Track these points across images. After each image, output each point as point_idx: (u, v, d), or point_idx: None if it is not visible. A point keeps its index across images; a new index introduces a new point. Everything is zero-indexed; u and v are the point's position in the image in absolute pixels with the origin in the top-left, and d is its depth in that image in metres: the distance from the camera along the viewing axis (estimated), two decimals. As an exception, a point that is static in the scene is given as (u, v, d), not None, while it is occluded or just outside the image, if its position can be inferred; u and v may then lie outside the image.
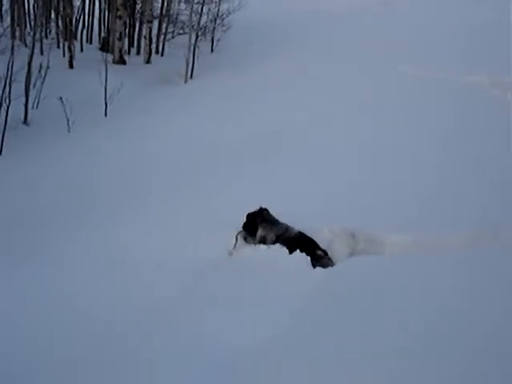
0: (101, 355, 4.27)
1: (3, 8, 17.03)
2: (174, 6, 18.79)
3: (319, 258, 5.69)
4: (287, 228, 6.03)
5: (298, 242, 5.85)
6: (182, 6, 18.79)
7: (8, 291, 5.35)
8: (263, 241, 6.00)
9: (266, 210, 6.15)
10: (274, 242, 5.96)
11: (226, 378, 3.98)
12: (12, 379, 4.04)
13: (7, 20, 16.15)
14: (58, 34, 16.91)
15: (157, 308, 4.91)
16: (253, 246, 6.00)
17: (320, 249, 5.80)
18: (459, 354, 3.79)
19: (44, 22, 16.68)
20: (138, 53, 17.84)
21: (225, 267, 5.64)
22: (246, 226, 6.10)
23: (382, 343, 4.02)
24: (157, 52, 17.95)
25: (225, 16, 18.30)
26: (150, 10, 17.29)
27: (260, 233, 6.03)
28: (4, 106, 10.49)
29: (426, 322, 4.23)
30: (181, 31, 18.02)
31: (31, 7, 17.22)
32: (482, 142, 8.56)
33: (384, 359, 3.85)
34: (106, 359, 4.23)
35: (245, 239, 6.11)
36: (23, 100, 11.27)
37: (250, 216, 6.11)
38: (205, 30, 17.53)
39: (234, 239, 6.02)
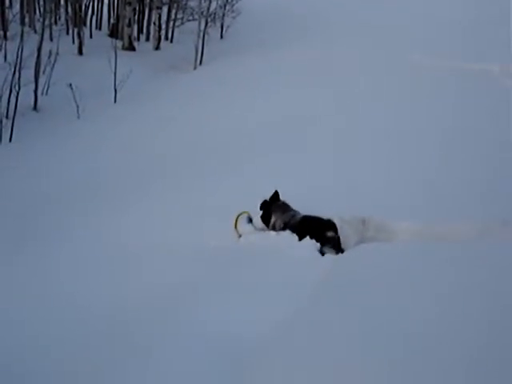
0: (101, 354, 4.14)
1: (13, -6, 16.99)
2: (184, -8, 18.71)
3: (329, 241, 5.63)
4: (294, 215, 6.00)
5: (303, 226, 5.80)
6: (192, -8, 18.71)
7: (7, 289, 5.23)
8: (274, 227, 6.00)
9: (275, 195, 6.14)
10: (282, 229, 5.95)
11: (229, 365, 3.89)
12: (12, 379, 3.94)
13: (16, 6, 16.14)
14: (67, 20, 16.91)
15: (159, 297, 4.80)
16: (262, 231, 6.00)
17: (329, 229, 5.73)
18: (468, 350, 3.76)
19: (53, 8, 16.65)
20: (148, 39, 17.79)
21: (230, 254, 5.57)
22: (262, 215, 6.07)
23: (385, 335, 3.96)
24: (166, 38, 17.90)
25: (234, 2, 18.22)
26: (160, -4, 17.24)
27: (272, 220, 6.03)
28: (14, 92, 10.52)
29: (430, 315, 4.18)
30: (190, 17, 17.97)
31: (40, -7, 17.18)
32: (490, 131, 8.47)
33: (387, 352, 3.81)
34: (107, 358, 4.10)
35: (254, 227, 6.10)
36: (33, 86, 11.30)
37: (263, 204, 6.10)
38: (214, 17, 17.48)
39: (233, 225, 6.00)
